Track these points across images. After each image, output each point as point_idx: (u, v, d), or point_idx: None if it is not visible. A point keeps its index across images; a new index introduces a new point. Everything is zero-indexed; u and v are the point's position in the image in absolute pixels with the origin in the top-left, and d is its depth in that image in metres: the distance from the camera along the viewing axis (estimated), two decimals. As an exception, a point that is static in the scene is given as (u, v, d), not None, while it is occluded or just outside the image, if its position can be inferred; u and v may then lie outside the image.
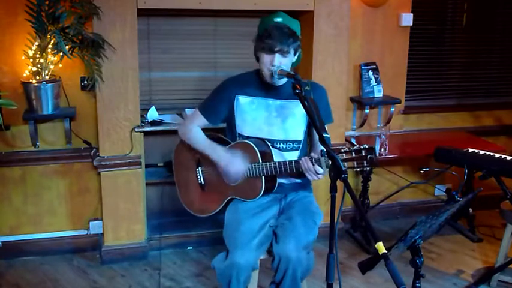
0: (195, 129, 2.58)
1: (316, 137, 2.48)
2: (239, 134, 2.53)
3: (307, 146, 2.62)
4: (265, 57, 2.35)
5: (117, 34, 3.16)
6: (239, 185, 2.49)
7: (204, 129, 2.61)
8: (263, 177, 2.41)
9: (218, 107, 2.54)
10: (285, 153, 2.50)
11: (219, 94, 2.55)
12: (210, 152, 2.52)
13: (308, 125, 2.54)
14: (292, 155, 2.52)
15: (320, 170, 2.25)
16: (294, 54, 2.39)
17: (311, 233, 2.38)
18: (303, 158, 2.30)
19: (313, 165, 2.25)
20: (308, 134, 2.57)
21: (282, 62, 2.33)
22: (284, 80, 2.46)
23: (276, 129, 2.49)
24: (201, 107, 2.59)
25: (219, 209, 2.57)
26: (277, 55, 2.32)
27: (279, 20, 2.36)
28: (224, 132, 2.65)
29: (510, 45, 4.38)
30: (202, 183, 2.62)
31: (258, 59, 2.45)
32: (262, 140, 2.47)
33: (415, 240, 2.04)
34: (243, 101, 2.50)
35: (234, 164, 2.45)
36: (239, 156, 2.45)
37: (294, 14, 3.58)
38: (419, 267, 2.05)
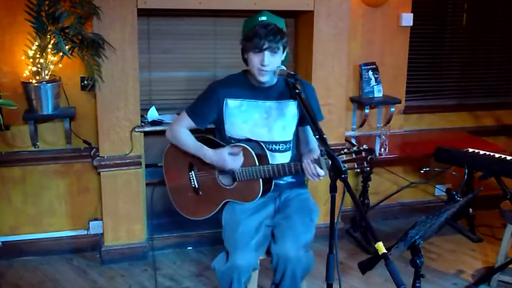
0: (183, 131, 2.53)
1: (306, 136, 2.49)
2: (229, 137, 2.50)
3: (295, 146, 2.61)
4: (255, 57, 2.31)
5: (117, 34, 3.16)
6: (236, 187, 2.48)
7: (194, 131, 2.58)
8: (261, 179, 2.41)
9: (206, 111, 2.50)
10: (277, 154, 2.49)
11: (207, 97, 2.51)
12: (201, 154, 2.49)
13: (297, 124, 2.53)
14: (285, 156, 2.51)
15: (321, 172, 2.24)
16: (283, 51, 2.36)
17: (309, 231, 2.37)
18: (305, 161, 2.28)
19: (315, 167, 2.25)
20: (297, 133, 2.56)
21: (272, 60, 2.30)
22: (274, 81, 2.44)
23: (268, 131, 2.47)
24: (188, 110, 2.55)
25: (216, 211, 2.56)
26: (266, 53, 2.29)
27: (263, 18, 2.34)
28: (213, 134, 2.64)
29: (510, 45, 4.38)
30: (197, 186, 2.60)
31: (245, 61, 2.42)
32: (257, 142, 2.46)
33: (415, 240, 2.04)
34: (232, 104, 2.47)
35: (227, 160, 2.41)
36: (227, 152, 2.42)
37: (293, 14, 3.60)
38: (419, 267, 2.05)
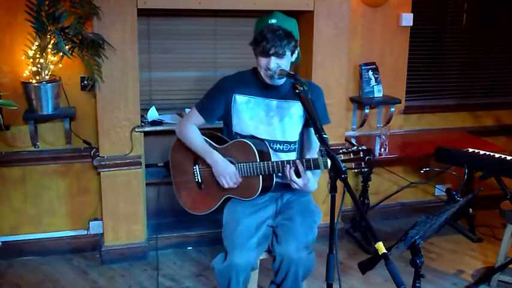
0: (192, 129, 2.55)
1: (311, 139, 2.50)
2: (236, 133, 2.52)
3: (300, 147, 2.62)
4: (262, 61, 2.33)
5: (117, 34, 3.16)
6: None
7: (203, 128, 2.59)
8: (260, 176, 2.41)
9: (215, 106, 2.52)
10: (282, 154, 2.50)
11: (216, 93, 2.53)
12: (207, 158, 2.51)
13: (303, 125, 2.53)
14: (289, 156, 2.51)
15: (296, 180, 2.27)
16: (291, 54, 2.37)
17: (311, 233, 2.38)
18: (297, 160, 2.29)
19: (304, 167, 2.26)
20: (302, 135, 2.56)
21: (279, 63, 2.31)
22: (282, 80, 2.45)
23: (274, 130, 2.48)
24: (198, 106, 2.57)
25: (216, 207, 2.57)
26: (272, 58, 2.30)
27: (273, 21, 2.34)
28: (221, 131, 2.65)
29: (510, 45, 4.38)
30: (200, 181, 2.61)
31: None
32: (261, 139, 2.46)
33: (415, 240, 2.04)
34: (240, 100, 2.49)
35: (226, 176, 2.45)
36: (233, 168, 2.44)
37: (293, 14, 3.59)
38: (419, 267, 2.05)
